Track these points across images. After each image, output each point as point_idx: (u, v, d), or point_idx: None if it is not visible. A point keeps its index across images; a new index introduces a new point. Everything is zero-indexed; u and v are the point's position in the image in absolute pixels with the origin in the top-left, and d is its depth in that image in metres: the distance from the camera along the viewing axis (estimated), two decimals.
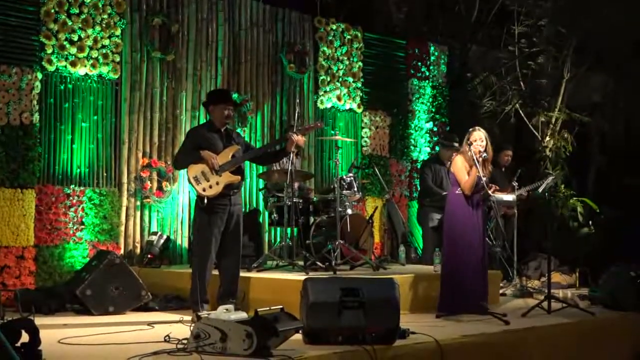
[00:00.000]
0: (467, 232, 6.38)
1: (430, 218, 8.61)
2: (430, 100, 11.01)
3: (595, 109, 11.67)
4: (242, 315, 4.67)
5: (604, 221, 10.20)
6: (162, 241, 7.99)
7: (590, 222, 10.21)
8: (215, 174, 6.01)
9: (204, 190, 5.99)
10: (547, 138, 10.86)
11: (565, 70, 10.89)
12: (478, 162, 6.30)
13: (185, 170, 6.15)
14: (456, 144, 8.42)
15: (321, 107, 9.79)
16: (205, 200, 5.97)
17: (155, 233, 8.11)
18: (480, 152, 6.37)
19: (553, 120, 10.89)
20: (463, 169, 6.42)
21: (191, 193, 8.32)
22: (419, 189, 9.55)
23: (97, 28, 7.86)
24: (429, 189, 8.69)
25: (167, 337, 4.91)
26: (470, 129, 6.53)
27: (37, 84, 7.52)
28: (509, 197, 8.32)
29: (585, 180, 11.80)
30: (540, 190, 8.36)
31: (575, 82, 11.02)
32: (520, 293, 8.03)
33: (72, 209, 7.66)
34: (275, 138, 9.08)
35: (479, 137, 6.43)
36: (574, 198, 10.42)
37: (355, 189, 7.73)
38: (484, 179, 6.32)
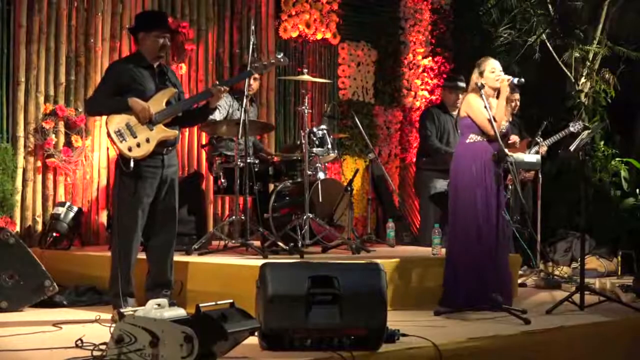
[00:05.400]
0: (476, 198, 6.38)
1: (430, 185, 8.66)
2: (430, 28, 11.01)
3: None
4: (179, 312, 4.68)
5: None
6: (71, 215, 7.97)
7: (638, 191, 10.33)
8: (146, 127, 5.97)
9: (129, 149, 5.94)
10: (583, 79, 10.91)
11: None
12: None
13: (104, 120, 6.10)
14: (462, 84, 8.45)
15: (284, 36, 9.75)
16: (132, 163, 5.94)
17: (62, 204, 8.08)
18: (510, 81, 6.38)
19: (590, 56, 10.92)
20: (481, 106, 6.38)
21: (110, 150, 8.28)
22: (416, 147, 9.56)
23: None
24: (434, 149, 8.65)
25: (78, 342, 4.91)
26: (482, 59, 6.56)
27: None
28: (532, 157, 8.37)
29: (632, 135, 11.89)
30: (572, 148, 8.41)
31: (621, 6, 11.04)
32: (545, 283, 8.13)
33: None
34: (226, 78, 9.03)
35: (497, 67, 6.46)
36: (617, 159, 10.52)
37: (329, 147, 7.75)
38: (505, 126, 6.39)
